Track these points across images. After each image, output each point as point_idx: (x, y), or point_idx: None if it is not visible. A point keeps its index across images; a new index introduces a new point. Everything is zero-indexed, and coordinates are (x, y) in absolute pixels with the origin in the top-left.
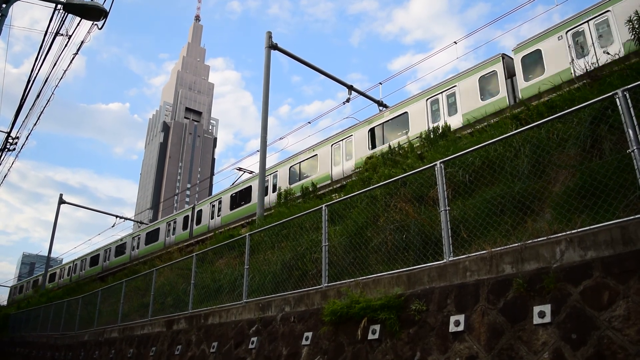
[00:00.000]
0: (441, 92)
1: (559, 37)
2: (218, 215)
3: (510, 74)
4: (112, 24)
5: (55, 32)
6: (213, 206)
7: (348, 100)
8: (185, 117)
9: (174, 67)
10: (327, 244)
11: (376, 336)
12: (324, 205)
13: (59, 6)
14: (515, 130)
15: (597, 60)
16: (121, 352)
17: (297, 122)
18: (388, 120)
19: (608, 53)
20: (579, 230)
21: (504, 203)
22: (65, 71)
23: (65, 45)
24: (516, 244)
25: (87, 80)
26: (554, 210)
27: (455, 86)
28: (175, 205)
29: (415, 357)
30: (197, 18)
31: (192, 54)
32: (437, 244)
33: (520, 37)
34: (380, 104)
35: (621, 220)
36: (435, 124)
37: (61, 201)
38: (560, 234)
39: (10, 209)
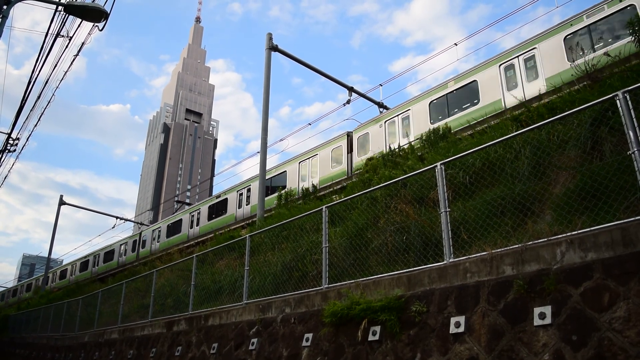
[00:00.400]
0: (308, 158)
1: (380, 125)
2: (157, 242)
3: (350, 149)
4: (113, 26)
5: (56, 33)
6: (154, 232)
7: (349, 101)
8: (185, 119)
9: (175, 69)
10: (327, 245)
11: (376, 337)
12: (324, 207)
13: (60, 7)
14: (515, 132)
15: (399, 146)
16: (121, 353)
17: (298, 124)
18: (275, 176)
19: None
20: (579, 231)
21: (504, 204)
22: (65, 72)
23: (66, 47)
24: (516, 246)
25: (88, 81)
26: (554, 211)
27: (317, 154)
28: (176, 206)
29: (415, 358)
30: (198, 19)
31: (193, 55)
32: (438, 246)
33: (521, 38)
34: (380, 105)
35: (622, 221)
36: (303, 183)
37: (61, 202)
38: (560, 236)
39: (10, 210)
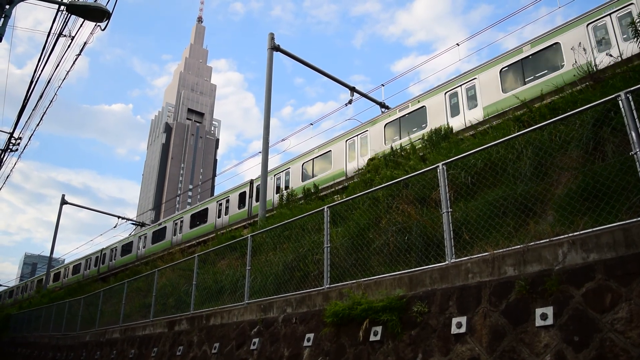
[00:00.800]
0: (223, 199)
1: (271, 178)
2: (115, 259)
3: (252, 195)
4: (115, 25)
5: (58, 33)
6: (112, 251)
7: (350, 101)
8: (187, 118)
9: (177, 68)
10: (329, 245)
11: (378, 338)
12: (326, 207)
13: (62, 7)
14: (517, 132)
15: (283, 196)
16: (123, 352)
17: (300, 124)
18: (199, 212)
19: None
20: (581, 232)
21: (506, 205)
22: (68, 72)
23: (68, 47)
24: (518, 246)
25: (90, 81)
26: (556, 212)
27: (229, 196)
28: (177, 206)
29: (417, 358)
30: (200, 19)
31: (195, 55)
32: (439, 246)
33: (523, 38)
34: (382, 105)
35: (624, 222)
36: (219, 219)
37: (63, 202)
38: (562, 236)
39: (12, 210)
